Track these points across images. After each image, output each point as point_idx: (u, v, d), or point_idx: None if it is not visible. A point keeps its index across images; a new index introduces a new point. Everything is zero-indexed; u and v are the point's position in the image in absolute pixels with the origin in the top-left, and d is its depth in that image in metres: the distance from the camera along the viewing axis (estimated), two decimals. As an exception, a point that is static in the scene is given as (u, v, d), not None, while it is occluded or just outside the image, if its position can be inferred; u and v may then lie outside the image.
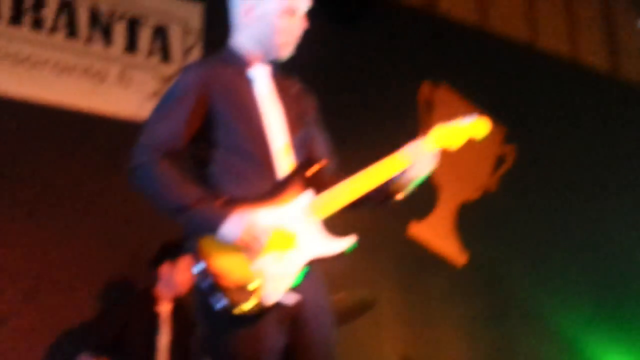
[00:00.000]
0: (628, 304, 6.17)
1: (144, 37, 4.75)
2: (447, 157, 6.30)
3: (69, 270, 4.15)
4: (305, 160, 2.30)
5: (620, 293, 6.20)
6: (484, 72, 6.09)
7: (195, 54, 4.90)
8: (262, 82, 2.31)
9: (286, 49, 2.30)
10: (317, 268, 2.24)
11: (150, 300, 3.98)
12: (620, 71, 7.04)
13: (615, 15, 7.45)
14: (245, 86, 2.27)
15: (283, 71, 2.37)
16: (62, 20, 4.52)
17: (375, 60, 5.49)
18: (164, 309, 4.01)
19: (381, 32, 5.53)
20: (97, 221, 4.34)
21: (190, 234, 2.12)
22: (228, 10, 2.39)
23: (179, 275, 4.00)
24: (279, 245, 2.14)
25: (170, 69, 4.82)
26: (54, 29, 4.48)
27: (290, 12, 2.27)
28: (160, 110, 2.24)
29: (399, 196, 2.36)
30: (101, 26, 4.64)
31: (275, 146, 2.25)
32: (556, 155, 6.24)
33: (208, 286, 2.04)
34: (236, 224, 2.07)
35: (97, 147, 4.50)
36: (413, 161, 2.29)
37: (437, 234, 5.47)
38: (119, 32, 4.68)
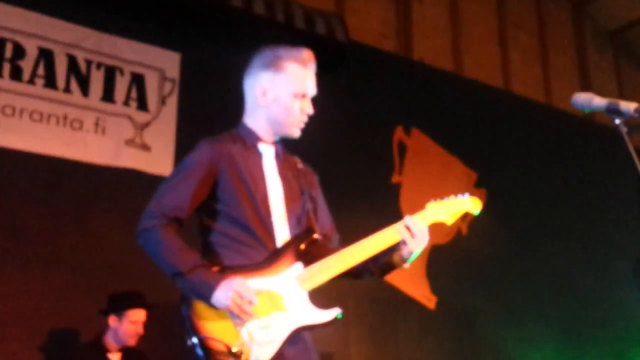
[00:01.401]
0: (588, 346, 6.23)
1: (121, 85, 4.86)
2: (418, 200, 6.38)
3: (27, 318, 4.20)
4: (299, 233, 2.43)
5: (582, 335, 6.26)
6: (458, 118, 6.22)
7: (172, 102, 5.02)
8: (268, 158, 2.49)
9: (296, 129, 2.47)
10: (305, 336, 2.37)
11: (100, 350, 4.05)
12: (595, 116, 7.19)
13: (588, 60, 7.64)
14: (254, 160, 2.45)
15: (287, 150, 2.57)
16: (41, 70, 4.63)
17: (351, 105, 5.61)
18: (115, 357, 4.07)
19: (355, 78, 5.65)
20: (67, 267, 4.40)
21: (185, 297, 2.27)
22: (244, 93, 2.54)
23: (125, 328, 4.06)
24: (268, 312, 2.27)
25: (146, 116, 4.92)
26: (32, 78, 4.59)
27: (301, 95, 2.44)
28: (171, 181, 2.42)
29: (396, 269, 2.44)
30: (79, 75, 4.76)
31: (274, 220, 2.40)
32: (527, 200, 6.34)
33: (198, 348, 2.18)
34: (226, 290, 2.20)
35: (73, 193, 4.58)
36: (405, 236, 2.35)
37: (408, 277, 5.53)
38: (97, 80, 4.79)
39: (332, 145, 5.41)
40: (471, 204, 2.60)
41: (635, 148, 2.24)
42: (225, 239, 2.36)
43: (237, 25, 4.97)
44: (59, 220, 4.49)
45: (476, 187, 6.19)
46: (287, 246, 2.38)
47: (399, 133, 5.91)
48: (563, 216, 6.59)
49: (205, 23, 4.97)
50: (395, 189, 5.85)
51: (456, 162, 6.18)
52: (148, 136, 4.89)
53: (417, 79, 6.14)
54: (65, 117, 4.64)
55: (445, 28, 6.53)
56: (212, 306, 2.21)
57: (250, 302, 2.19)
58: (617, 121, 2.18)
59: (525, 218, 6.30)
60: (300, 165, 2.58)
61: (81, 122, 4.70)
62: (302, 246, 2.38)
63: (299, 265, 2.36)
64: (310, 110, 2.47)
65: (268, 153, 2.49)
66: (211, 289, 2.20)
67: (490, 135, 6.35)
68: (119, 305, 4.10)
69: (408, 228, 2.35)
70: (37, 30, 4.63)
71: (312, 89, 2.47)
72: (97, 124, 4.75)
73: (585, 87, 7.17)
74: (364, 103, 5.74)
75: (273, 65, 2.43)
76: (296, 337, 2.30)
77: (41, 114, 4.57)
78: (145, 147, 4.87)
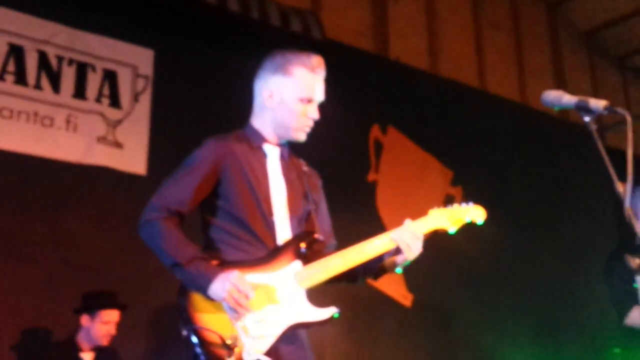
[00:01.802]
0: (563, 342, 6.29)
1: (93, 82, 4.81)
2: (395, 198, 6.40)
3: None
4: (300, 232, 2.49)
5: (557, 331, 6.31)
6: (434, 116, 6.24)
7: (145, 99, 4.97)
8: (272, 159, 2.54)
9: (301, 132, 2.53)
10: (302, 336, 2.41)
11: (73, 349, 4.01)
12: (569, 115, 7.25)
13: (563, 60, 7.70)
14: (259, 160, 2.51)
15: (292, 152, 2.62)
16: (11, 66, 4.55)
17: (326, 103, 5.58)
18: (87, 356, 4.04)
19: (331, 76, 5.62)
20: (39, 266, 4.33)
21: (183, 288, 2.32)
22: (253, 94, 2.58)
23: (97, 328, 4.03)
24: (264, 306, 2.31)
25: (119, 114, 4.87)
26: (2, 74, 4.51)
27: (307, 100, 2.50)
28: (175, 176, 2.47)
29: (387, 273, 2.51)
30: (50, 71, 4.69)
31: (276, 219, 2.46)
32: (502, 197, 6.37)
33: (194, 339, 2.21)
34: (223, 283, 2.24)
35: (44, 191, 4.51)
36: (401, 245, 2.39)
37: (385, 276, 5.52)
38: (68, 77, 4.73)
39: (307, 143, 5.39)
40: (475, 213, 2.63)
41: (610, 147, 2.26)
42: (226, 235, 2.42)
43: (212, 23, 4.94)
44: (30, 218, 4.42)
45: (452, 186, 6.21)
46: (287, 244, 2.42)
47: (375, 131, 5.92)
48: (538, 213, 6.63)
49: (180, 20, 4.93)
50: (372, 187, 5.85)
51: (432, 161, 6.20)
52: (121, 133, 4.84)
53: (393, 78, 6.15)
54: (35, 114, 4.58)
55: (422, 27, 6.55)
56: (209, 298, 2.25)
57: (247, 296, 2.22)
58: (587, 119, 2.18)
59: (501, 215, 6.28)
60: (305, 167, 2.64)
61: (52, 119, 4.63)
62: (303, 245, 2.41)
63: (297, 263, 2.39)
64: (316, 115, 2.51)
65: (273, 154, 2.53)
66: (208, 280, 2.24)
67: (466, 133, 6.38)
68: (92, 304, 4.08)
69: (404, 237, 2.38)
70: (6, 26, 4.56)
71: (319, 95, 2.52)
72: (68, 121, 4.69)
73: (560, 87, 7.18)
74: (339, 101, 5.65)
75: (282, 69, 2.48)
76: (292, 335, 2.33)
77: (11, 111, 4.50)
78: (117, 145, 4.82)
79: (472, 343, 5.87)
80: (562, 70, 7.63)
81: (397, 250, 2.39)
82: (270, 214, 2.43)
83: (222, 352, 2.18)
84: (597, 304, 6.52)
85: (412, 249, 2.38)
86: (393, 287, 5.64)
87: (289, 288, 2.35)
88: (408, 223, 2.44)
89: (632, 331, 3.39)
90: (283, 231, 2.44)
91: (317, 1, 5.92)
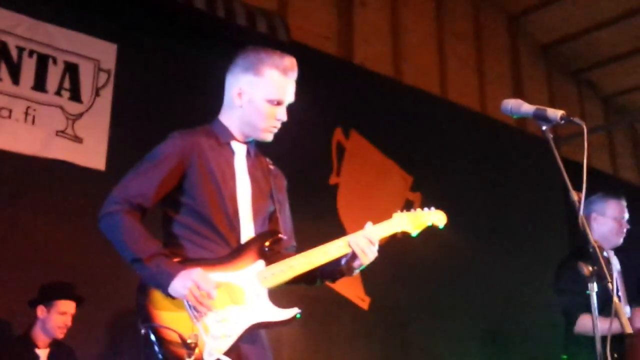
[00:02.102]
0: (513, 349, 6.42)
1: (54, 74, 4.72)
2: (356, 201, 6.44)
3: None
4: (264, 231, 2.48)
5: (508, 337, 6.45)
6: (395, 122, 6.31)
7: (107, 94, 4.90)
8: (240, 157, 2.51)
9: (268, 133, 2.52)
10: (262, 336, 2.40)
11: (29, 344, 3.94)
12: (527, 125, 7.41)
13: (522, 72, 7.87)
14: (226, 157, 2.48)
15: (258, 150, 2.59)
16: (-31, 56, 4.46)
17: (290, 106, 5.60)
18: (42, 353, 3.98)
19: (297, 77, 5.64)
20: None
21: (142, 285, 2.27)
22: (224, 90, 2.53)
23: (53, 319, 3.97)
24: (225, 305, 2.27)
25: (79, 107, 4.80)
26: (-40, 64, 4.42)
27: (275, 102, 2.48)
28: (138, 169, 2.42)
29: (342, 276, 2.49)
30: (10, 62, 4.60)
31: (240, 218, 2.43)
32: (460, 204, 6.46)
33: (152, 338, 2.17)
34: (185, 280, 2.20)
35: (2, 182, 4.42)
36: (357, 251, 2.39)
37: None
38: (28, 68, 4.64)
39: (269, 143, 5.39)
40: (437, 218, 2.68)
41: (564, 158, 2.32)
42: (188, 232, 2.38)
43: (177, 19, 4.91)
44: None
45: (412, 191, 6.29)
46: (250, 243, 2.40)
47: (337, 134, 5.96)
48: (493, 220, 6.76)
49: (144, 15, 4.89)
50: (333, 190, 5.88)
51: (393, 166, 6.26)
52: (80, 128, 4.77)
53: (357, 83, 6.20)
54: (-7, 106, 4.48)
55: (386, 34, 6.62)
56: (169, 296, 2.21)
57: (209, 295, 2.19)
58: (544, 127, 2.25)
59: (457, 221, 6.37)
60: (271, 166, 2.62)
61: (10, 111, 4.53)
62: (267, 244, 2.40)
63: (261, 262, 2.37)
64: (284, 117, 2.50)
65: (240, 151, 2.51)
66: (169, 277, 2.20)
67: (427, 140, 6.47)
68: (48, 295, 4.04)
69: (360, 242, 2.38)
70: (-34, 14, 4.46)
71: (289, 97, 2.52)
72: (27, 113, 4.60)
73: (518, 97, 7.35)
74: (303, 103, 5.70)
75: (253, 68, 2.46)
76: (253, 335, 2.32)
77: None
78: (77, 139, 4.74)
79: (426, 347, 5.94)
80: (521, 81, 7.80)
81: (354, 255, 2.41)
82: (235, 212, 2.41)
83: (182, 351, 2.13)
84: (547, 311, 6.69)
85: (367, 254, 2.39)
86: (351, 289, 5.68)
87: (252, 287, 2.32)
88: (368, 227, 2.45)
89: (580, 339, 3.47)
90: (246, 230, 2.42)
91: (284, 3, 5.93)
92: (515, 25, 7.88)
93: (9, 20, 4.60)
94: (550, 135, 2.27)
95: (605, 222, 3.74)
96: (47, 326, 3.98)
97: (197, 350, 2.14)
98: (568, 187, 2.20)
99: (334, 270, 2.47)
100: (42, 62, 4.70)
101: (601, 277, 2.21)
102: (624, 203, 3.78)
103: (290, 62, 2.50)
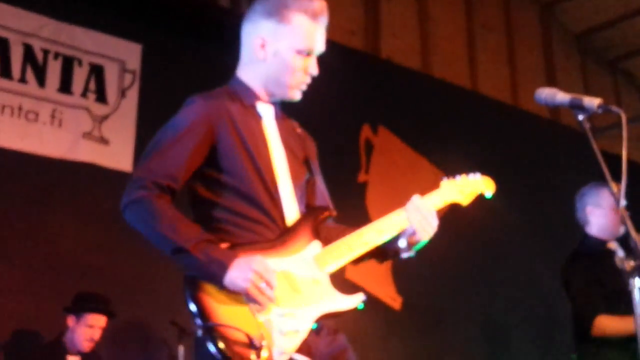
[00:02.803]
0: (554, 346, 6.26)
1: (79, 76, 4.72)
2: (385, 199, 6.35)
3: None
4: (312, 208, 2.17)
5: (550, 333, 6.28)
6: (425, 117, 6.18)
7: (133, 95, 4.88)
8: (269, 121, 2.18)
9: (296, 91, 2.17)
10: (330, 324, 2.10)
11: (60, 350, 3.93)
12: (560, 117, 7.23)
13: (555, 63, 7.68)
14: (254, 123, 2.13)
15: (285, 113, 2.26)
16: (-4, 59, 4.46)
17: (317, 102, 5.52)
18: None
19: (322, 74, 5.56)
20: (22, 264, 4.24)
21: (190, 277, 1.94)
22: (240, 41, 2.21)
23: (80, 330, 3.94)
24: (287, 297, 1.98)
25: (105, 109, 4.78)
26: (-14, 67, 4.42)
27: (305, 52, 2.13)
28: (160, 143, 2.04)
29: (403, 256, 2.20)
30: (35, 65, 4.59)
31: (281, 192, 2.11)
32: (494, 200, 6.31)
33: (212, 342, 1.86)
34: (244, 270, 1.89)
35: (27, 187, 4.42)
36: (415, 220, 2.14)
37: (373, 277, 5.47)
38: (54, 71, 4.64)
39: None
40: (484, 185, 2.43)
41: (600, 150, 2.21)
42: (229, 213, 2.04)
43: (201, 18, 4.86)
44: (13, 215, 4.32)
45: (443, 187, 6.15)
46: (301, 222, 2.09)
47: (365, 131, 5.85)
48: (529, 216, 6.59)
49: (168, 14, 4.85)
50: (362, 188, 5.78)
51: (423, 161, 6.14)
52: (107, 129, 4.75)
53: (385, 77, 6.08)
54: (20, 108, 4.48)
55: (414, 27, 6.49)
56: (223, 288, 1.90)
57: (271, 285, 1.90)
58: (580, 117, 2.12)
59: (493, 218, 6.28)
60: (299, 130, 2.29)
61: (37, 114, 4.53)
62: (320, 222, 2.12)
63: (316, 244, 2.08)
64: (315, 70, 2.16)
65: (268, 114, 2.17)
66: (224, 267, 1.88)
67: (458, 135, 6.32)
68: (79, 306, 3.99)
69: (416, 210, 2.13)
70: (-8, 18, 4.47)
71: (320, 46, 2.16)
72: (53, 116, 4.59)
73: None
74: (330, 100, 5.65)
75: (277, 13, 2.11)
76: (319, 325, 2.02)
77: (-5, 105, 4.41)
78: (103, 141, 4.73)
79: (461, 347, 5.82)
80: (554, 72, 7.60)
81: (413, 231, 2.12)
82: (275, 185, 2.08)
83: (249, 352, 1.84)
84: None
85: (426, 228, 2.13)
86: (382, 289, 5.58)
87: (312, 273, 2.02)
88: (416, 199, 2.17)
89: (597, 340, 3.30)
90: (289, 205, 2.09)
91: (309, -1, 5.84)
92: (548, 14, 7.68)
93: (34, 22, 4.60)
94: (588, 125, 2.14)
95: (603, 214, 3.55)
96: (74, 336, 3.95)
97: (265, 351, 1.86)
98: (607, 179, 2.07)
99: (387, 249, 2.15)
100: (68, 64, 4.69)
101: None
102: (619, 189, 3.54)
103: (320, 4, 2.15)
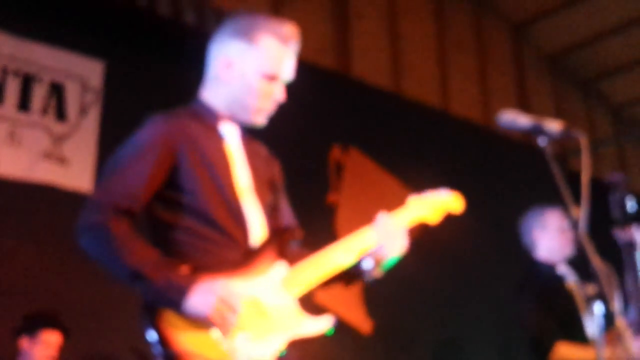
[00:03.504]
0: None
1: (38, 94, 4.59)
2: (355, 220, 6.24)
3: None
4: (277, 229, 2.12)
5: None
6: (396, 136, 6.13)
7: (94, 113, 4.77)
8: (233, 141, 2.12)
9: (260, 116, 2.12)
10: (295, 350, 2.02)
11: None
12: (532, 138, 7.20)
13: (527, 84, 7.68)
14: (216, 144, 2.07)
15: (249, 133, 2.20)
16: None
17: (286, 121, 5.44)
18: None
19: (290, 93, 5.49)
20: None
21: (148, 304, 1.86)
22: (206, 60, 2.17)
23: (37, 349, 3.80)
24: (253, 322, 1.90)
25: (64, 127, 4.65)
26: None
27: (272, 77, 2.09)
28: (119, 164, 1.97)
29: (372, 276, 2.16)
30: (-7, 82, 4.46)
31: (246, 212, 2.04)
32: (464, 221, 6.26)
33: None
34: (205, 295, 1.82)
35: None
36: (383, 238, 2.10)
37: (343, 300, 5.35)
38: (12, 89, 4.51)
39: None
40: (453, 202, 2.40)
41: (573, 171, 2.15)
42: (190, 236, 1.97)
43: (165, 35, 4.77)
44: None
45: (414, 208, 6.09)
46: (266, 243, 2.04)
47: (335, 151, 5.77)
48: (499, 239, 6.53)
49: (132, 31, 4.75)
50: (331, 210, 5.70)
51: (394, 182, 6.06)
52: (67, 149, 4.62)
53: (355, 97, 6.03)
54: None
55: (384, 46, 6.45)
56: (184, 314, 1.82)
57: (235, 311, 1.84)
58: (542, 142, 2.07)
59: (464, 240, 6.22)
60: (264, 151, 2.26)
61: (-6, 133, 4.40)
62: (285, 243, 2.09)
63: (282, 265, 2.03)
64: (281, 96, 2.12)
65: (231, 135, 2.12)
66: (184, 292, 1.81)
67: (429, 155, 6.28)
68: (32, 325, 3.86)
69: (384, 229, 2.10)
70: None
71: (288, 72, 2.13)
72: (11, 135, 4.45)
73: (524, 109, 7.16)
74: (299, 120, 5.57)
75: (246, 34, 2.08)
76: (287, 351, 1.96)
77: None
78: (63, 161, 4.59)
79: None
80: (526, 92, 7.60)
81: (379, 249, 2.09)
82: (238, 206, 2.02)
83: None
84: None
85: (394, 243, 2.10)
86: (353, 312, 5.46)
87: (278, 297, 1.97)
88: (383, 216, 2.14)
89: None
90: (254, 226, 2.03)
91: (277, 15, 5.77)
92: (520, 34, 7.70)
93: (-8, 39, 4.47)
94: (550, 151, 2.08)
95: (550, 236, 3.53)
96: (31, 359, 3.79)
97: None
98: (567, 204, 2.01)
99: (354, 270, 2.10)
100: (27, 82, 4.57)
101: (604, 298, 2.02)
102: (562, 211, 3.52)
103: (290, 29, 2.12)
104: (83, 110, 4.73)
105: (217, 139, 2.08)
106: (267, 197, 2.13)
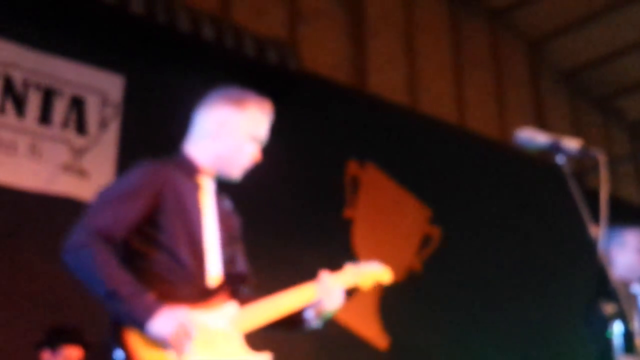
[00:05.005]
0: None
1: (59, 108, 4.64)
2: (372, 235, 6.25)
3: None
4: (232, 274, 2.39)
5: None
6: (412, 153, 6.13)
7: (113, 127, 4.81)
8: (208, 194, 2.42)
9: (241, 171, 2.44)
10: None
11: None
12: (548, 155, 7.18)
13: (544, 100, 7.67)
14: (193, 194, 2.37)
15: (219, 189, 2.48)
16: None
17: (301, 138, 5.47)
18: None
19: (307, 109, 5.53)
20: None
21: (116, 323, 2.11)
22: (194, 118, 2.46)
23: None
24: (205, 349, 2.17)
25: (84, 141, 4.70)
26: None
27: (255, 139, 2.43)
28: (110, 197, 2.28)
29: (311, 325, 2.45)
30: (15, 96, 4.52)
31: (209, 256, 2.33)
32: (481, 238, 6.25)
33: None
34: (168, 319, 2.08)
35: (4, 219, 4.31)
36: (321, 295, 2.38)
37: (359, 316, 5.35)
38: (33, 102, 4.56)
39: (281, 178, 5.25)
40: (382, 275, 2.63)
41: (591, 189, 2.14)
42: (160, 268, 2.26)
43: (184, 51, 4.82)
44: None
45: (430, 224, 6.07)
46: (222, 285, 2.32)
47: (351, 167, 5.79)
48: (518, 255, 6.51)
49: (151, 47, 4.80)
50: (348, 225, 5.70)
51: (410, 198, 6.07)
52: (87, 162, 4.66)
53: (371, 113, 6.05)
54: (-1, 140, 4.40)
55: (400, 62, 6.48)
56: (146, 335, 2.08)
57: (191, 337, 2.09)
58: (560, 160, 2.08)
59: (480, 256, 6.21)
60: (228, 204, 2.54)
61: (15, 146, 4.44)
62: (238, 286, 2.35)
63: (233, 305, 2.31)
64: (259, 157, 2.45)
65: (208, 187, 2.43)
66: (150, 315, 2.07)
67: (445, 171, 6.27)
68: (54, 339, 3.86)
69: (323, 287, 2.36)
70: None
71: (265, 136, 2.47)
72: (32, 148, 4.51)
73: (540, 126, 7.16)
74: (315, 135, 5.62)
75: (236, 101, 2.43)
76: None
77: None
78: (83, 173, 4.63)
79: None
80: (543, 109, 7.59)
81: (319, 302, 2.37)
82: (202, 250, 2.31)
83: None
84: (578, 350, 6.38)
85: (332, 299, 2.36)
86: (369, 328, 5.44)
87: (226, 331, 2.26)
88: (325, 276, 2.40)
89: None
90: (213, 269, 2.32)
91: (294, 32, 5.83)
92: (536, 51, 7.70)
93: (15, 53, 4.53)
94: (568, 169, 2.08)
95: (627, 255, 3.55)
96: None
97: None
98: (585, 222, 2.01)
99: (295, 318, 2.39)
100: (48, 96, 4.62)
101: (624, 316, 2.01)
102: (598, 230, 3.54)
103: (269, 104, 2.48)
104: (103, 124, 4.78)
105: (195, 190, 2.38)
106: (227, 246, 2.42)
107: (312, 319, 2.40)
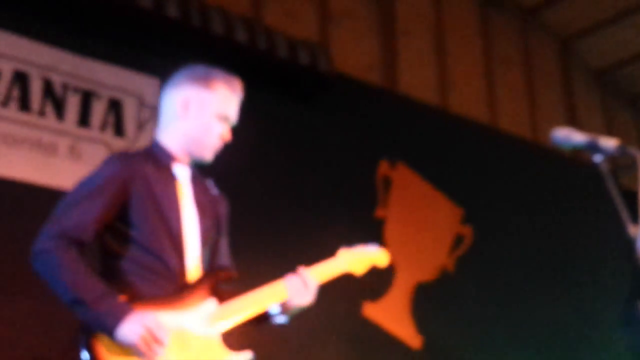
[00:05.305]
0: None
1: (98, 110, 4.74)
2: (404, 235, 6.27)
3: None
4: (212, 268, 2.34)
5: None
6: (443, 152, 6.13)
7: (150, 129, 4.89)
8: (184, 182, 2.35)
9: (211, 152, 2.36)
10: None
11: None
12: (581, 154, 7.12)
13: (576, 99, 7.61)
14: (167, 184, 2.31)
15: (201, 173, 2.42)
16: (15, 92, 4.50)
17: (333, 138, 5.51)
18: None
19: (339, 109, 5.57)
20: (32, 298, 4.20)
21: (85, 328, 2.08)
22: (161, 106, 2.44)
23: None
24: (177, 353, 2.11)
25: (123, 143, 4.80)
26: (6, 101, 4.46)
27: (224, 118, 2.35)
28: (74, 198, 2.24)
29: (277, 321, 2.40)
30: (54, 99, 4.63)
31: (188, 251, 2.27)
32: (514, 238, 6.22)
33: None
34: (135, 325, 2.04)
35: (40, 219, 4.40)
36: (291, 292, 2.30)
37: (392, 315, 5.37)
38: (72, 105, 4.67)
39: (313, 178, 5.30)
40: (379, 257, 2.60)
41: (624, 189, 2.14)
42: (135, 266, 2.21)
43: (218, 53, 4.88)
44: (23, 246, 4.30)
45: (462, 224, 6.07)
46: (201, 280, 2.26)
47: (383, 167, 5.81)
48: (551, 256, 6.47)
49: (185, 49, 4.88)
50: (380, 224, 5.72)
51: (442, 198, 6.07)
52: (124, 163, 4.75)
53: (402, 112, 6.06)
54: (39, 142, 4.51)
55: (431, 62, 6.49)
56: (115, 340, 2.05)
57: (162, 343, 2.05)
58: (598, 159, 2.08)
59: (512, 256, 6.18)
60: (213, 190, 2.47)
61: (55, 147, 4.56)
62: (218, 282, 2.28)
63: (212, 302, 2.24)
64: (228, 137, 2.38)
65: (183, 176, 2.36)
66: (117, 321, 2.03)
67: (477, 171, 6.26)
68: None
69: (296, 284, 2.29)
70: (12, 51, 4.52)
71: (234, 116, 2.39)
72: (71, 149, 4.62)
73: (572, 125, 7.11)
74: (347, 135, 5.65)
75: (203, 80, 2.36)
76: None
77: (14, 138, 4.43)
78: (121, 175, 4.73)
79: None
80: (575, 108, 7.53)
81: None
82: (181, 243, 2.26)
83: None
84: (612, 351, 6.32)
85: (303, 294, 2.29)
86: (401, 328, 5.45)
87: (204, 331, 2.19)
88: (302, 271, 2.34)
89: None
90: (193, 263, 2.27)
91: (325, 33, 5.87)
92: (567, 50, 7.64)
93: (54, 57, 4.64)
94: (606, 168, 2.09)
95: None
96: None
97: None
98: (624, 220, 2.02)
99: (261, 316, 2.36)
100: (86, 98, 4.73)
101: None
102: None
103: (238, 83, 2.42)
104: (140, 126, 4.87)
105: (169, 179, 2.32)
106: (210, 235, 2.36)
107: (278, 315, 2.36)
